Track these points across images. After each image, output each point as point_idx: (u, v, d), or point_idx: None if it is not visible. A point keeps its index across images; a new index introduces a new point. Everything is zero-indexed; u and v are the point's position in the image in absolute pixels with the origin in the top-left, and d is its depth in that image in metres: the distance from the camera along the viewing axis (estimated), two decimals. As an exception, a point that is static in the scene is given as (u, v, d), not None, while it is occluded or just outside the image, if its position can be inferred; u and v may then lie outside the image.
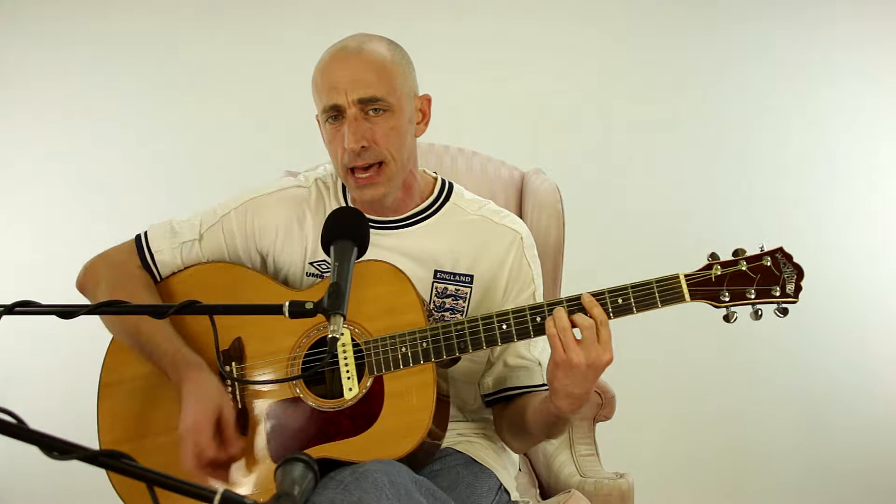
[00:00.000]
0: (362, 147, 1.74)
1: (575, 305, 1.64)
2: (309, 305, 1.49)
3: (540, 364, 1.86)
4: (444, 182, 1.92)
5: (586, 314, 1.62)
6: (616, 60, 3.18)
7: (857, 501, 3.21)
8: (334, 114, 1.76)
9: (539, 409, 1.75)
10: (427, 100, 1.87)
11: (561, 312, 1.62)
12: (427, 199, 1.88)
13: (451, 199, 1.89)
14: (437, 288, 1.83)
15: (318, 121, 1.84)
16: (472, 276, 1.84)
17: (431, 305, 1.83)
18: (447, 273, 1.84)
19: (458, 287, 1.84)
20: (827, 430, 3.21)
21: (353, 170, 1.77)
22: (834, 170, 3.20)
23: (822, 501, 3.22)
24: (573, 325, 1.61)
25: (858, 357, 3.19)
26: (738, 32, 3.18)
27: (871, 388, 3.20)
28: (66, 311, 1.43)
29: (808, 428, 3.21)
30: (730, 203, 3.17)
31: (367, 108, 1.75)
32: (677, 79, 3.18)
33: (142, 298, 1.81)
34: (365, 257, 1.72)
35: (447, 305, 1.83)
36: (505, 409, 1.87)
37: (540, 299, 1.88)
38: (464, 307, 1.83)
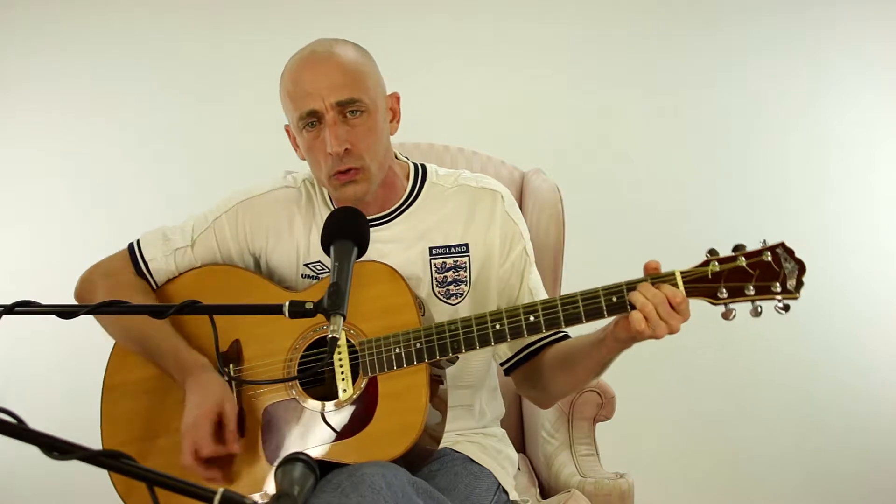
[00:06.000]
0: (345, 150, 1.73)
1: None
2: (309, 305, 1.49)
3: None
4: (416, 166, 1.92)
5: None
6: (616, 60, 3.18)
7: (857, 502, 3.21)
8: (312, 120, 1.75)
9: (590, 354, 1.74)
10: (396, 98, 1.87)
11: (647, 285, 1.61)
12: (407, 188, 1.89)
13: (427, 180, 1.90)
14: (435, 265, 1.83)
15: (290, 131, 1.84)
16: (466, 245, 1.84)
17: (434, 283, 1.83)
18: (441, 247, 1.84)
19: (455, 258, 1.84)
20: (827, 431, 3.20)
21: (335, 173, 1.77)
22: (834, 169, 3.19)
23: (822, 502, 3.22)
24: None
25: (858, 357, 3.19)
26: (738, 32, 3.18)
27: (870, 388, 3.19)
28: (66, 311, 1.43)
29: (807, 428, 3.21)
30: (730, 203, 3.17)
31: (346, 110, 1.74)
32: (677, 78, 3.18)
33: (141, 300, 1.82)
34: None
35: (450, 279, 1.83)
36: (532, 367, 1.87)
37: (531, 254, 1.89)
38: (466, 277, 1.84)
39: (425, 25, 3.16)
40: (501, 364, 1.91)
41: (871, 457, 3.20)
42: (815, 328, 3.13)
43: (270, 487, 1.69)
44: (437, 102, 3.02)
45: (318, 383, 1.77)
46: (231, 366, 1.77)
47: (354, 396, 1.69)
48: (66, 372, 3.07)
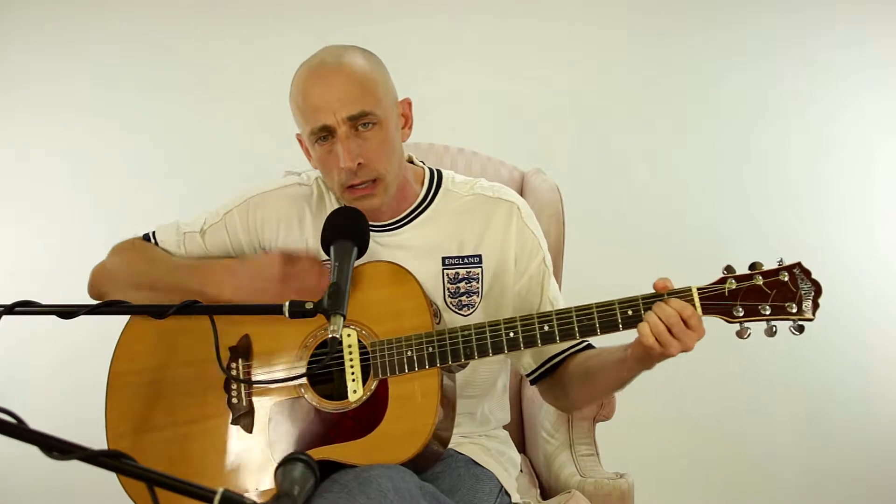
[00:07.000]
0: (358, 164, 1.72)
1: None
2: (309, 305, 1.49)
3: None
4: (432, 171, 1.91)
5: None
6: (616, 60, 3.18)
7: (857, 502, 3.21)
8: (324, 134, 1.73)
9: (611, 372, 1.74)
10: (408, 104, 1.85)
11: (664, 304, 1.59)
12: (420, 193, 1.88)
13: (442, 186, 1.89)
14: (448, 275, 1.82)
15: (301, 140, 1.83)
16: (480, 256, 1.83)
17: (447, 294, 1.82)
18: (455, 258, 1.83)
19: (468, 269, 1.83)
20: (827, 431, 3.20)
21: (349, 186, 1.76)
22: (834, 169, 3.19)
23: (822, 502, 3.21)
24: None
25: (859, 357, 3.19)
26: (738, 32, 3.18)
27: (871, 388, 3.19)
28: (66, 311, 1.43)
29: (808, 428, 3.21)
30: (730, 203, 3.17)
31: (357, 123, 1.72)
32: (677, 78, 3.18)
33: (156, 251, 1.88)
34: (373, 258, 1.72)
35: (462, 290, 1.82)
36: (555, 377, 1.87)
37: (549, 265, 1.88)
38: (478, 288, 1.83)
39: (425, 25, 3.16)
40: (527, 375, 1.91)
41: (871, 457, 3.19)
42: (815, 328, 3.10)
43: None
44: (437, 102, 3.01)
45: (328, 383, 1.77)
46: (240, 360, 1.77)
47: (364, 398, 1.69)
48: (66, 372, 3.07)
